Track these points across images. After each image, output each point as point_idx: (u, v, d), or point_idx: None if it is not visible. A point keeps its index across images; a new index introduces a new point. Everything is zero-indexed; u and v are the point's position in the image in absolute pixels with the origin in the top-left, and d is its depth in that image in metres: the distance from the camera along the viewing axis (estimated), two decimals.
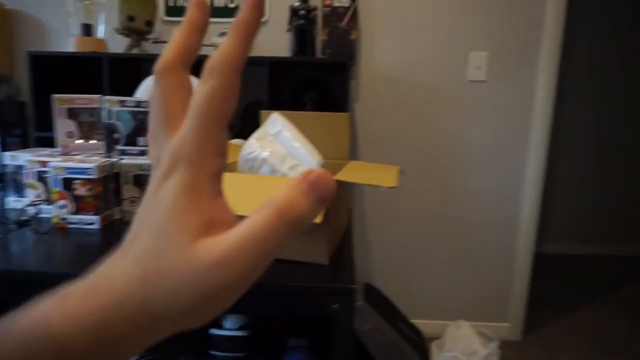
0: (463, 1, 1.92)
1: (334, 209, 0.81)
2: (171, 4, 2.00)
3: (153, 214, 0.20)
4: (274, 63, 1.76)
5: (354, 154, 2.06)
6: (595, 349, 2.13)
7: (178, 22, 2.01)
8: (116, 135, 1.16)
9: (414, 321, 2.02)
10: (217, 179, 0.21)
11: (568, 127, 3.26)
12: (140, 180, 1.12)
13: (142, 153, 1.17)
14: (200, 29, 0.23)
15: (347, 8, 1.85)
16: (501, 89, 1.98)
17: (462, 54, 1.96)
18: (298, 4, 1.81)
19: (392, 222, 2.13)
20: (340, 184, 0.75)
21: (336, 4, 1.85)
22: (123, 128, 1.18)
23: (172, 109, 0.22)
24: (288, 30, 1.86)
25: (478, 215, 2.10)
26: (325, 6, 1.86)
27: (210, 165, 0.20)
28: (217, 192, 0.21)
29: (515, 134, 2.02)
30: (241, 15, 0.21)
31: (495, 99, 1.99)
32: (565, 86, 3.19)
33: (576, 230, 3.40)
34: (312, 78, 1.94)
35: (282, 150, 0.85)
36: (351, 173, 0.83)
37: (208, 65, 0.21)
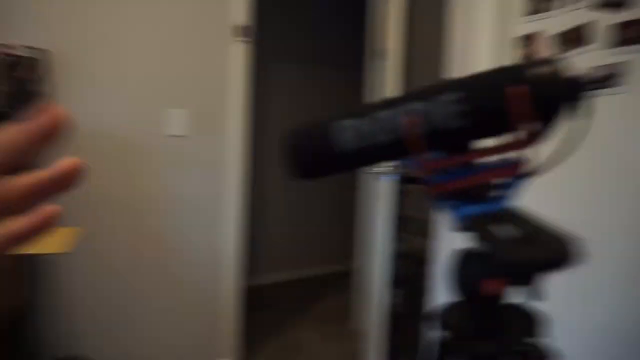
0: (158, 61, 2.06)
1: None
2: None
3: None
4: None
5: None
6: None
7: None
8: None
9: None
10: None
11: (265, 169, 3.83)
12: None
13: None
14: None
15: (33, 59, 1.71)
16: (201, 143, 2.19)
17: (161, 110, 2.08)
18: None
19: (103, 281, 2.02)
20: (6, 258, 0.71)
21: (20, 53, 1.69)
22: None
23: None
24: None
25: (187, 262, 2.22)
26: (5, 55, 1.67)
27: None
28: None
29: (214, 183, 2.25)
30: (42, 122, 0.20)
31: (196, 153, 2.18)
32: (261, 134, 3.73)
33: (282, 259, 3.99)
34: None
35: None
36: None
37: None
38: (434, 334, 0.31)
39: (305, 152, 0.28)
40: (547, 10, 1.47)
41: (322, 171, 0.29)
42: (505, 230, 0.22)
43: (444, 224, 1.72)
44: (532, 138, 0.26)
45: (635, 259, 1.21)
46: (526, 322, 0.28)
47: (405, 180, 2.37)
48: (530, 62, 0.25)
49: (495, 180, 0.27)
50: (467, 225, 0.25)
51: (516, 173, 0.26)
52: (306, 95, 3.97)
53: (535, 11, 1.51)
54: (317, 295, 3.62)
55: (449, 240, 1.72)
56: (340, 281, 3.82)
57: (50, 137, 0.20)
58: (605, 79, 1.26)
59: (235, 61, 2.21)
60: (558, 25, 1.43)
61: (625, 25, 1.26)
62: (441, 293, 1.73)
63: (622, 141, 1.25)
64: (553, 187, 1.17)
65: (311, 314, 3.20)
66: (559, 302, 1.02)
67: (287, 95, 3.88)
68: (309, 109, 3.95)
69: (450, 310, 0.31)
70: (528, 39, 1.53)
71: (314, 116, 0.30)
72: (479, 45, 1.65)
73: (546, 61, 0.25)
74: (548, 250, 0.18)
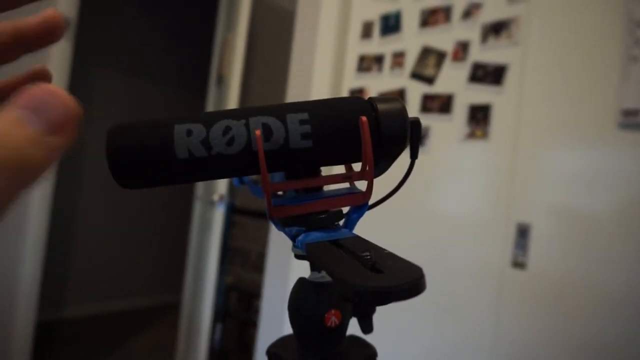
0: None
1: None
2: None
3: None
4: None
5: None
6: None
7: None
8: None
9: None
10: None
11: (83, 178, 3.38)
12: None
13: None
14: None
15: None
16: None
17: None
18: None
19: None
20: None
21: None
22: None
23: None
24: None
25: None
26: None
27: None
28: None
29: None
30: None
31: None
32: (78, 142, 3.30)
33: (99, 287, 3.48)
34: None
35: None
36: None
37: None
38: None
39: (140, 154, 0.23)
40: (369, 70, 1.68)
41: (156, 179, 0.24)
42: (349, 259, 0.21)
43: (276, 256, 1.73)
44: (375, 170, 0.26)
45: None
46: (364, 354, 0.28)
47: (234, 210, 2.35)
48: (379, 97, 0.26)
49: (339, 208, 0.27)
50: (309, 252, 0.24)
51: (359, 202, 0.27)
52: (140, 111, 3.67)
53: (366, 68, 1.70)
54: (139, 330, 3.22)
55: (281, 273, 1.73)
56: (170, 314, 3.47)
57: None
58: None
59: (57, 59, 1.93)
60: (383, 84, 1.63)
61: (430, 97, 1.50)
62: (270, 327, 1.72)
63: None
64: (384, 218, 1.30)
65: (127, 352, 2.82)
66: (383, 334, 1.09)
67: (114, 107, 3.53)
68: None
69: (284, 344, 0.29)
70: (359, 93, 1.70)
71: (145, 117, 0.26)
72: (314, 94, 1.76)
73: (394, 98, 0.26)
74: (396, 279, 0.17)
